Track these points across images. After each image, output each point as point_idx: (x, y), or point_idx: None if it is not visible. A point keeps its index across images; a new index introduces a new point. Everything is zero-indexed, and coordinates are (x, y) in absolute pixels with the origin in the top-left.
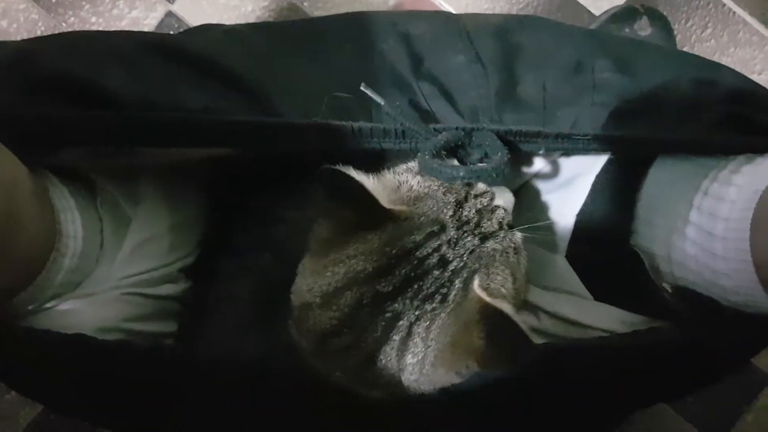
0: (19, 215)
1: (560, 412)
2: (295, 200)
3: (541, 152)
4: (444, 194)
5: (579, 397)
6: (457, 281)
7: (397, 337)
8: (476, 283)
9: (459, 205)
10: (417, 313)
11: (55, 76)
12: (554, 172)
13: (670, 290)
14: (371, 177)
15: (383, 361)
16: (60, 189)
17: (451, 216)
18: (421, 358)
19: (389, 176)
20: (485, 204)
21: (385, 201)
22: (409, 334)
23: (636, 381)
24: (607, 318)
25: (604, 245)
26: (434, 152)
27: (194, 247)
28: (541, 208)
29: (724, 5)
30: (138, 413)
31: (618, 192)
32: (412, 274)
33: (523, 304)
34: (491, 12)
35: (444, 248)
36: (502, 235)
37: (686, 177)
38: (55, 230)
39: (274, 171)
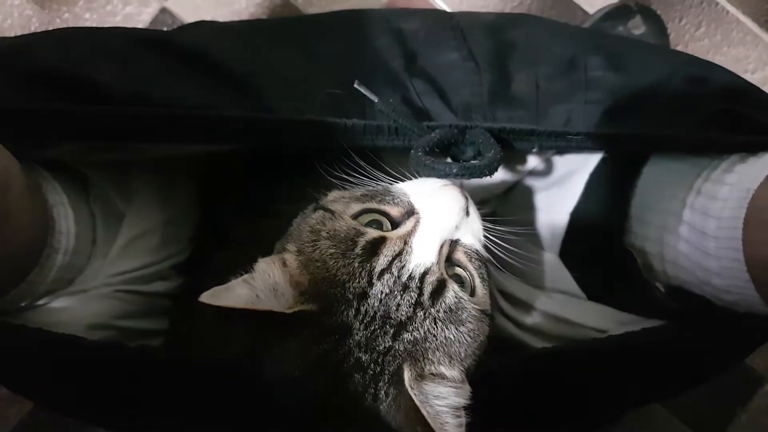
0: (11, 211)
1: (554, 413)
2: (287, 194)
3: (534, 150)
4: (346, 280)
5: (572, 398)
6: (381, 383)
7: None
8: (406, 380)
9: (363, 296)
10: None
11: (48, 71)
12: (548, 170)
13: (663, 289)
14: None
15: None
16: (52, 184)
17: (354, 315)
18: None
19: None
20: (393, 281)
21: (286, 300)
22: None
23: (629, 381)
24: (600, 317)
25: (598, 243)
26: (427, 149)
27: (186, 244)
28: (535, 207)
29: (718, 4)
30: (128, 412)
31: (612, 190)
32: (335, 380)
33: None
34: (485, 10)
35: (356, 352)
36: (419, 320)
37: (680, 176)
38: (48, 226)
39: (266, 166)
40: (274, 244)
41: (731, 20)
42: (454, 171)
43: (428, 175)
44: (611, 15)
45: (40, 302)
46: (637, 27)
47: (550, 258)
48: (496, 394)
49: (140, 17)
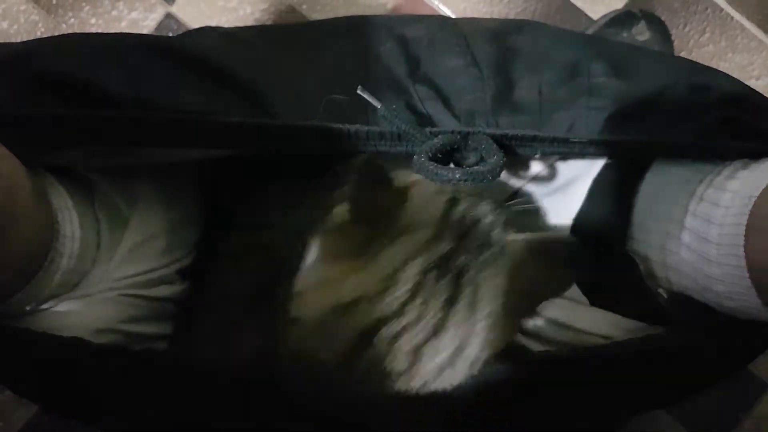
0: (17, 215)
1: (554, 418)
2: (282, 203)
3: (537, 156)
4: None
5: (574, 404)
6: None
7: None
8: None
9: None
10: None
11: (53, 76)
12: (551, 175)
13: (665, 296)
14: None
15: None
16: (58, 189)
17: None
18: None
19: None
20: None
21: None
22: (473, 300)
23: (631, 388)
24: (603, 323)
25: (601, 250)
26: (430, 155)
27: (192, 248)
28: (538, 212)
29: (722, 10)
30: (133, 415)
31: (614, 196)
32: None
33: None
34: (489, 16)
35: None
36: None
37: (682, 182)
38: (53, 230)
39: (262, 173)
40: (264, 260)
41: (736, 26)
42: (457, 176)
43: (432, 180)
44: (615, 21)
45: (45, 306)
46: (641, 33)
47: None
48: (495, 399)
49: (145, 23)
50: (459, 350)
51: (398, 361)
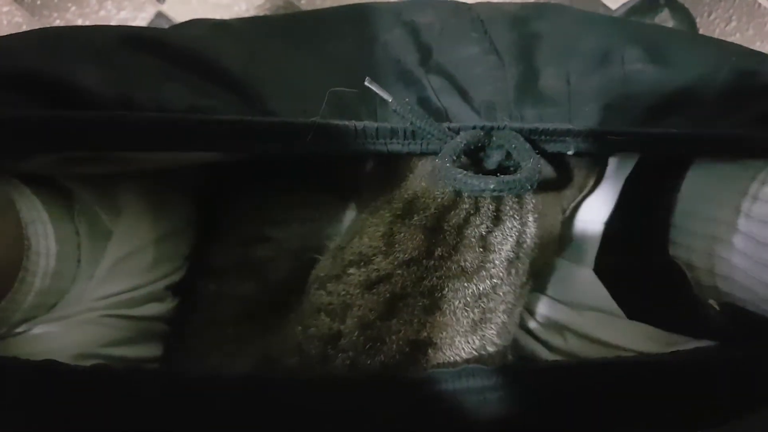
0: None
1: None
2: (279, 215)
3: (570, 153)
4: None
5: (611, 419)
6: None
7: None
8: None
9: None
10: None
11: (22, 75)
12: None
13: (717, 307)
14: None
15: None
16: (31, 200)
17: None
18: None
19: None
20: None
21: None
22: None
23: (675, 404)
24: (641, 338)
25: (638, 256)
26: (454, 158)
27: (182, 262)
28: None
29: None
30: None
31: (651, 197)
32: None
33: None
34: (504, 1)
35: None
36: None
37: (730, 179)
38: (23, 247)
39: (258, 178)
40: (264, 275)
41: (764, 13)
42: (491, 186)
43: (461, 190)
44: (637, 9)
45: (18, 330)
46: (664, 21)
47: (584, 273)
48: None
49: (135, 22)
50: (520, 242)
51: (470, 252)
